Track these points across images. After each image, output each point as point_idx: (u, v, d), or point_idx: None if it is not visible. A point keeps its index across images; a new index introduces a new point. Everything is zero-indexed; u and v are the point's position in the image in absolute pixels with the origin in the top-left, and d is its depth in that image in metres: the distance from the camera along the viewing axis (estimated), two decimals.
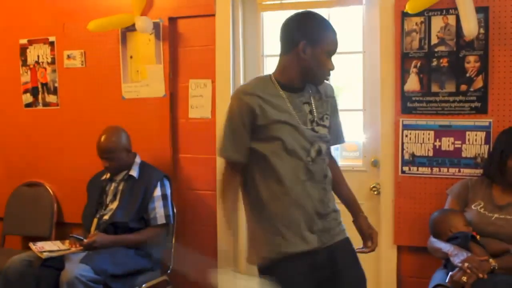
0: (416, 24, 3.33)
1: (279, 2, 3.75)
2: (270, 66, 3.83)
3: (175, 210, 3.66)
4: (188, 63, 3.89)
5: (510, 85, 3.19)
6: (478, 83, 3.22)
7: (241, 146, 2.29)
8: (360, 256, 3.51)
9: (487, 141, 3.20)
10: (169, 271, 3.61)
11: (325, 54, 2.31)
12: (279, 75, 2.35)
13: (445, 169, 3.29)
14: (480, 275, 2.60)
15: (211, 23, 3.79)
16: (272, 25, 3.84)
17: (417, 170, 3.34)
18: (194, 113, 3.86)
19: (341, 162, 3.69)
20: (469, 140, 3.24)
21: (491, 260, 2.72)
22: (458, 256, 2.71)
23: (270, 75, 2.38)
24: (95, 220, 3.52)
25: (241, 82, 3.77)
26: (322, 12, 3.64)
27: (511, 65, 3.17)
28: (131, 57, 4.00)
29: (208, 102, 3.81)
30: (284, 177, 2.27)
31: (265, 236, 2.33)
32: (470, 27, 3.09)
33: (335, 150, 3.68)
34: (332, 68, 2.35)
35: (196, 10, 3.83)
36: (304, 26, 2.30)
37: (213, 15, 3.77)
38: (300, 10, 2.40)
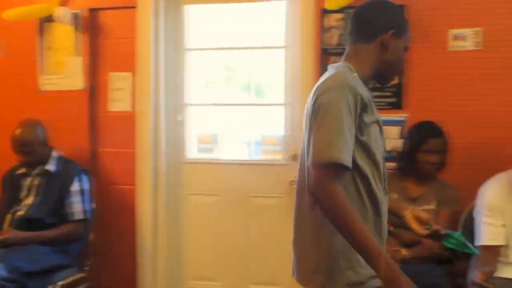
0: (336, 20, 3.39)
1: None
2: (193, 60, 3.82)
3: (94, 205, 3.58)
4: (108, 55, 3.81)
5: (424, 81, 3.30)
6: (396, 78, 3.31)
7: (351, 148, 1.81)
8: (277, 250, 3.57)
9: (402, 135, 3.30)
10: (86, 267, 3.53)
11: (404, 49, 2.03)
12: (356, 66, 1.96)
13: None
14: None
15: (132, 15, 3.73)
16: (195, 18, 3.82)
17: None
18: (114, 106, 3.79)
19: (261, 156, 3.74)
20: (385, 134, 3.32)
21: (403, 250, 2.81)
22: None
23: (349, 66, 1.96)
24: (9, 216, 3.40)
25: (162, 75, 3.73)
26: (245, 6, 3.69)
27: (426, 62, 3.30)
28: (49, 48, 3.88)
29: (129, 95, 3.75)
30: (376, 193, 1.91)
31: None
32: None
33: (255, 145, 3.75)
34: (402, 69, 2.14)
35: (117, 2, 3.76)
36: (394, 13, 2.01)
37: (135, 7, 3.71)
38: None
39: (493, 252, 2.73)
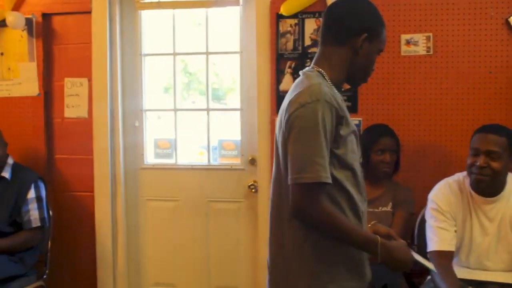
0: (291, 26, 3.43)
1: (156, 0, 3.72)
2: (148, 65, 3.81)
3: (51, 213, 3.54)
4: (63, 61, 3.77)
5: (378, 85, 3.37)
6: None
7: (328, 164, 1.80)
8: (236, 254, 3.59)
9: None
10: (44, 276, 3.48)
11: (377, 51, 1.99)
12: (328, 72, 1.93)
13: None
14: None
15: (87, 20, 3.70)
16: (150, 24, 3.82)
17: None
18: (70, 113, 3.75)
19: (219, 161, 3.76)
20: None
21: None
22: None
23: (319, 70, 1.93)
24: None
25: (119, 81, 3.72)
26: (200, 12, 3.70)
27: (380, 66, 3.34)
28: (1, 54, 3.82)
29: (85, 101, 3.72)
30: (358, 203, 1.93)
31: (347, 266, 1.92)
32: None
33: (213, 150, 3.76)
34: (374, 69, 2.04)
35: (71, 7, 3.71)
36: (368, 14, 1.95)
37: (90, 12, 3.68)
38: None
39: (447, 257, 2.71)
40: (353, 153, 1.89)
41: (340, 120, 1.82)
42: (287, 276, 1.95)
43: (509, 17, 3.18)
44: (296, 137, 1.78)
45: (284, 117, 1.85)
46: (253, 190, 3.57)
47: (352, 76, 1.99)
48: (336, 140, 1.82)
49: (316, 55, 2.00)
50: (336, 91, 1.91)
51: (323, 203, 1.78)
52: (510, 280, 2.72)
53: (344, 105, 1.89)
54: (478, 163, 2.64)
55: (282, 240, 1.96)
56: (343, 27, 1.92)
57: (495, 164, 2.63)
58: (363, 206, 1.96)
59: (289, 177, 1.79)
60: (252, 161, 3.59)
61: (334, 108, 1.79)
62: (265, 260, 3.61)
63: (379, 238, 1.86)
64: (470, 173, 2.73)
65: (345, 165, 1.86)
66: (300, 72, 1.99)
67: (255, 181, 3.56)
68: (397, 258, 1.89)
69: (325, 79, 1.90)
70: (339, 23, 1.93)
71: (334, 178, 1.81)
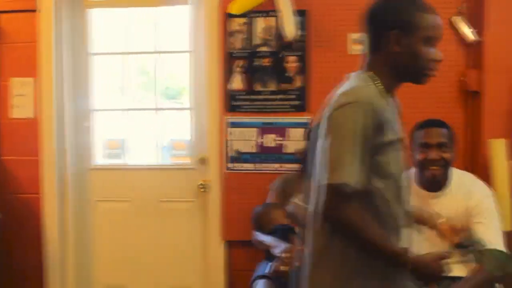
0: (240, 25, 3.43)
1: None
2: (98, 65, 3.75)
3: None
4: (9, 60, 3.67)
5: (327, 84, 3.32)
6: (298, 82, 3.40)
7: (362, 170, 1.71)
8: (188, 254, 3.57)
9: (306, 137, 3.38)
10: None
11: (424, 40, 1.81)
12: (379, 77, 1.83)
13: (269, 165, 3.44)
14: (297, 263, 2.75)
15: (33, 18, 3.62)
16: (101, 22, 3.77)
17: (242, 166, 3.45)
18: (16, 113, 3.66)
19: (170, 160, 3.73)
20: (290, 136, 3.41)
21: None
22: (278, 247, 2.86)
23: (370, 75, 1.83)
24: None
25: (66, 80, 3.66)
26: (151, 11, 3.67)
27: (328, 65, 3.39)
28: None
29: (31, 102, 3.64)
30: (396, 214, 1.84)
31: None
32: (289, 29, 3.26)
33: (164, 150, 3.74)
34: (438, 59, 1.85)
35: (17, 5, 3.62)
36: (392, 9, 1.82)
37: (36, 10, 3.60)
38: None
39: None
40: (397, 162, 1.80)
41: (381, 126, 1.73)
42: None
43: (452, 17, 3.25)
44: (331, 137, 1.72)
45: (326, 116, 1.79)
46: (203, 190, 3.55)
47: (408, 75, 1.85)
48: (377, 146, 1.73)
49: (365, 63, 1.89)
50: (387, 95, 1.82)
51: (351, 207, 1.70)
52: (459, 273, 2.77)
53: (392, 111, 1.82)
54: (430, 157, 2.68)
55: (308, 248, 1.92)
56: (373, 33, 1.85)
57: (446, 155, 2.70)
58: (403, 221, 1.85)
59: (322, 178, 1.73)
60: (202, 161, 3.57)
61: (375, 112, 1.71)
62: (216, 259, 3.62)
63: (408, 252, 1.77)
64: (422, 169, 2.76)
65: (386, 175, 1.77)
66: (350, 74, 1.90)
67: (204, 181, 3.54)
68: (426, 273, 1.81)
69: (375, 83, 1.81)
70: (368, 31, 1.86)
71: (373, 186, 1.75)
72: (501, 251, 2.22)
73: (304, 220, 3.09)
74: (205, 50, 3.49)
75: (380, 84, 1.80)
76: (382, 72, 1.81)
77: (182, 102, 3.94)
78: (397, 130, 1.79)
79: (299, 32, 3.35)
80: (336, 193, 1.69)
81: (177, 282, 3.74)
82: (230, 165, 3.46)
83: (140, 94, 4.04)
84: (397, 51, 1.78)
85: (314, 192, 1.84)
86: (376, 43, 1.83)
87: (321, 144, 1.78)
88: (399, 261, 1.75)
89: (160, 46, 3.68)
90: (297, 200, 3.16)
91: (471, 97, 3.29)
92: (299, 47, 3.39)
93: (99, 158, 3.82)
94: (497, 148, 3.10)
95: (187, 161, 3.69)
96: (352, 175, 1.67)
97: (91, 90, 3.75)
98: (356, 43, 3.34)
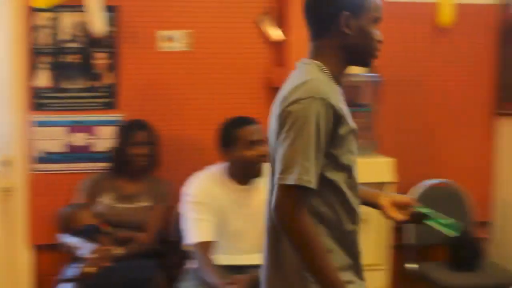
0: (46, 19, 3.29)
1: None
2: None
3: None
4: None
5: (138, 81, 3.38)
6: (109, 79, 3.33)
7: (319, 168, 1.63)
8: None
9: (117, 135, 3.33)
10: None
11: (374, 20, 1.75)
12: (325, 64, 1.74)
13: (79, 164, 3.34)
14: (104, 264, 2.73)
15: None
16: None
17: (51, 167, 3.32)
18: None
19: None
20: (99, 134, 3.35)
21: (114, 248, 2.85)
22: (85, 249, 2.80)
23: (319, 64, 1.73)
24: None
25: None
26: None
27: (139, 62, 3.38)
28: None
29: None
30: (353, 205, 1.76)
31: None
32: (98, 25, 3.19)
33: None
34: (381, 39, 1.78)
35: None
36: None
37: None
38: None
39: (206, 247, 2.75)
40: (351, 153, 1.74)
41: (338, 120, 1.65)
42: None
43: (257, 16, 3.38)
44: (285, 135, 1.62)
45: (276, 113, 1.69)
46: (8, 193, 3.34)
47: (356, 59, 1.79)
48: (333, 140, 1.66)
49: (308, 52, 1.80)
50: (336, 85, 1.75)
51: (303, 214, 1.61)
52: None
53: (343, 101, 1.74)
54: (262, 153, 2.73)
55: (278, 259, 1.78)
56: (319, 16, 1.75)
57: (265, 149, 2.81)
58: (358, 209, 1.80)
59: (275, 177, 1.64)
60: (5, 163, 3.36)
61: (331, 106, 1.62)
62: (23, 265, 3.44)
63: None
64: (249, 164, 2.82)
65: (341, 166, 1.70)
66: (298, 63, 1.81)
67: (10, 184, 3.34)
68: None
69: (324, 73, 1.73)
70: (313, 14, 1.76)
71: (329, 179, 1.67)
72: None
73: (114, 219, 3.09)
74: (8, 46, 3.28)
75: (329, 73, 1.73)
76: (330, 59, 1.74)
77: None
78: (350, 121, 1.72)
79: (109, 28, 3.29)
80: (288, 194, 1.60)
81: None
82: (37, 166, 3.31)
83: None
84: (347, 33, 1.70)
85: (268, 192, 1.76)
86: (322, 29, 1.74)
87: (274, 142, 1.70)
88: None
89: None
90: (106, 199, 3.12)
91: (275, 93, 3.42)
92: (109, 43, 3.33)
93: None
94: None
95: None
96: (306, 175, 1.58)
97: None
98: (166, 40, 3.36)
